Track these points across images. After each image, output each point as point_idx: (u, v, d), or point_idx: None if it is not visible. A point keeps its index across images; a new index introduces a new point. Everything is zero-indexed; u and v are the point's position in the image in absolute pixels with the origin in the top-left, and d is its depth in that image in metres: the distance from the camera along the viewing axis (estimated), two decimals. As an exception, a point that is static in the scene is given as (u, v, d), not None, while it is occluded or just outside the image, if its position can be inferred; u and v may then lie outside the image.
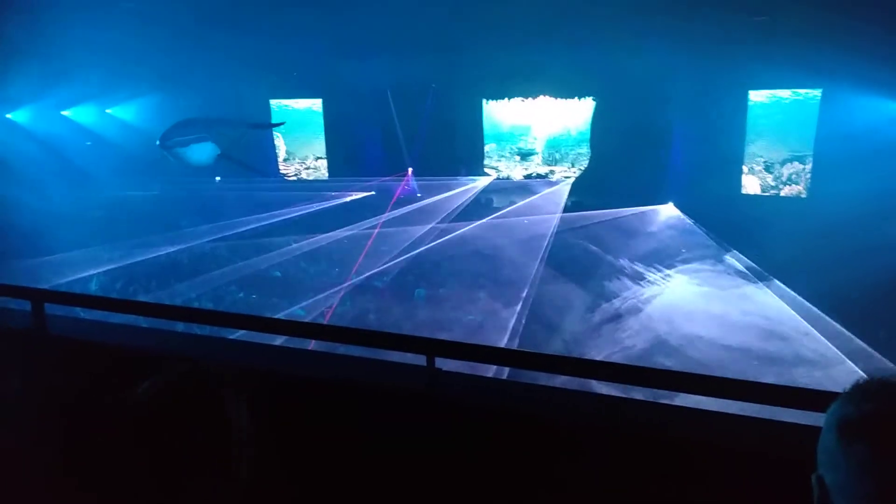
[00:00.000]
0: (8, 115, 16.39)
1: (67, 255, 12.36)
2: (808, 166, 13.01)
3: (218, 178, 17.46)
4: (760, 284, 11.23)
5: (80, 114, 17.32)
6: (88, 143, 17.00)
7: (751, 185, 13.65)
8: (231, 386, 1.55)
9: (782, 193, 13.39)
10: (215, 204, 15.51)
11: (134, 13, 11.22)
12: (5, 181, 13.41)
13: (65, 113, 17.19)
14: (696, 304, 10.68)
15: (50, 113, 16.72)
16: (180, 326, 6.61)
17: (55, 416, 2.91)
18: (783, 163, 13.46)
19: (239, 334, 4.46)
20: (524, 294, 10.99)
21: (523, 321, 10.37)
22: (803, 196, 13.09)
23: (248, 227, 14.27)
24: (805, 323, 9.87)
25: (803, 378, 8.51)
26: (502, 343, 9.52)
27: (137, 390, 1.49)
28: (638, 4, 10.34)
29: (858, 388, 1.24)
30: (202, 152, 15.89)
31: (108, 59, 14.03)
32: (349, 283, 11.97)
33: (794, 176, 13.33)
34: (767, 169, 13.59)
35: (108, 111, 17.48)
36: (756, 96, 13.20)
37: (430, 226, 13.96)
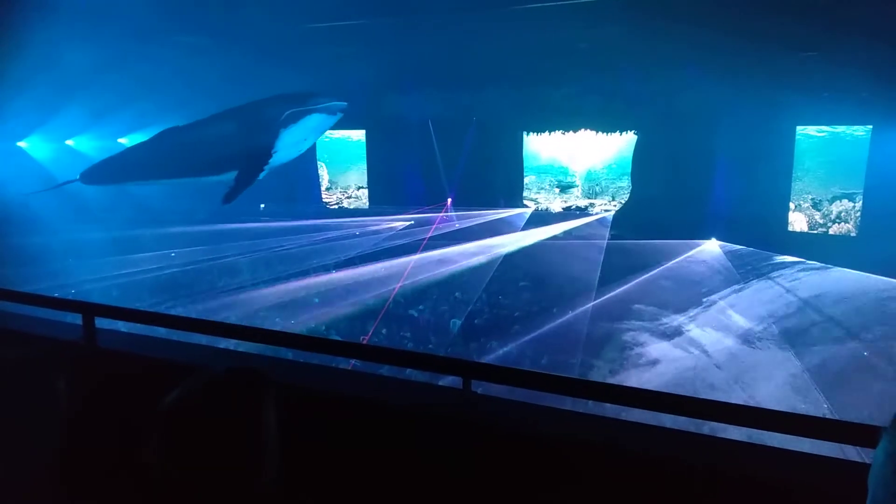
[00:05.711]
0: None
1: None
2: (858, 204, 12.66)
3: (262, 206, 17.76)
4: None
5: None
6: None
7: (798, 222, 13.33)
8: (264, 393, 1.61)
9: (831, 231, 13.03)
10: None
11: (178, 46, 11.65)
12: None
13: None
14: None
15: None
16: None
17: (105, 426, 3.00)
18: (832, 200, 13.15)
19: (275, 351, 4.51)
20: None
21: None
22: (853, 235, 12.72)
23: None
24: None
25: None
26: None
27: (171, 395, 1.56)
28: (682, 39, 10.35)
29: None
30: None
31: (152, 93, 14.48)
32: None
33: (843, 214, 12.98)
34: (815, 206, 13.28)
35: None
36: (804, 132, 12.99)
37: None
